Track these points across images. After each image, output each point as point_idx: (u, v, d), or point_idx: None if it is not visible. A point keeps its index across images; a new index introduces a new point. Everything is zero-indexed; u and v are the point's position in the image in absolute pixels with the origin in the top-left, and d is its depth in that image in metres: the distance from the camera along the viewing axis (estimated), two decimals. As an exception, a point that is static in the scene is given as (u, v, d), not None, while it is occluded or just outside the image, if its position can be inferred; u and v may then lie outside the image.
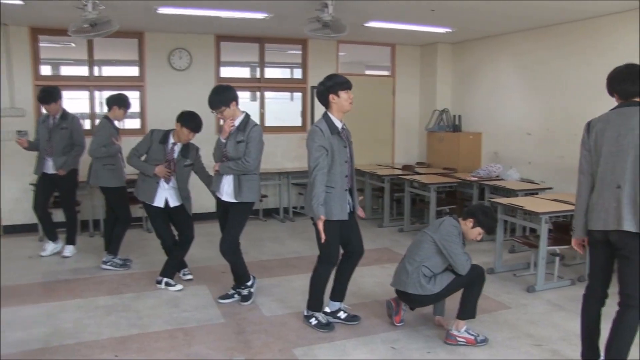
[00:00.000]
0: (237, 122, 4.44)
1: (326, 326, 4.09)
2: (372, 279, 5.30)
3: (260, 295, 4.82)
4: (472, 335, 3.86)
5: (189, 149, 4.91)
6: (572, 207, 4.82)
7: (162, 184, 4.87)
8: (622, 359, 3.02)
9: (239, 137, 4.38)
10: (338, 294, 4.27)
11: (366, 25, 6.72)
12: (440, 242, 3.84)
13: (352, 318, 4.24)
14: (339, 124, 3.93)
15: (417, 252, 3.91)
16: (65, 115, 5.83)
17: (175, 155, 4.86)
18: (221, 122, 4.64)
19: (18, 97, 6.91)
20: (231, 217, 4.51)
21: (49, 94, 5.70)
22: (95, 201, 7.04)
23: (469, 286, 3.87)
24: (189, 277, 5.22)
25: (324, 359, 3.63)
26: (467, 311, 3.85)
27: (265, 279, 5.26)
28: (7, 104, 6.87)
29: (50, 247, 6.04)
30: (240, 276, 4.66)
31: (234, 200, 4.46)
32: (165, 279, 4.98)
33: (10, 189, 6.98)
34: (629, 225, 2.92)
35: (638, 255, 2.95)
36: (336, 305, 4.26)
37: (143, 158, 4.91)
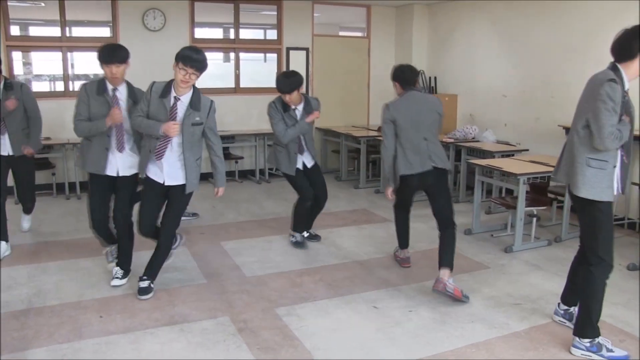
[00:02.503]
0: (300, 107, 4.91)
1: (300, 244, 5.13)
2: (350, 240, 5.40)
3: (241, 256, 4.88)
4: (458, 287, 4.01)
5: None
6: (549, 169, 5.02)
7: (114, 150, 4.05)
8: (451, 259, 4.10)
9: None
10: (308, 224, 5.33)
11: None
12: None
13: (314, 237, 5.34)
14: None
15: None
16: (10, 84, 4.88)
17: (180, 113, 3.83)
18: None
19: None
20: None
21: None
22: (69, 163, 6.94)
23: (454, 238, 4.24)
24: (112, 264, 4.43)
25: (305, 317, 3.71)
26: (451, 261, 4.08)
27: (245, 239, 5.32)
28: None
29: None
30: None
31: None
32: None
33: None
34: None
35: (445, 186, 4.33)
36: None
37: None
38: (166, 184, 3.90)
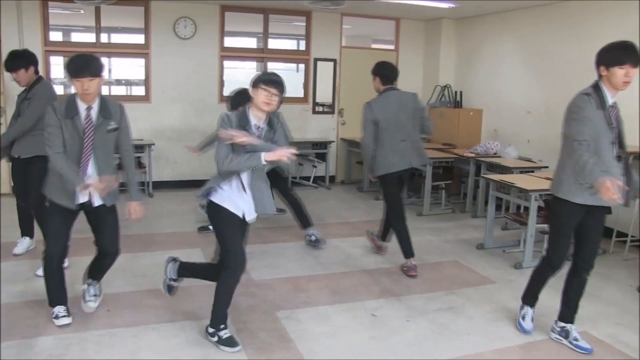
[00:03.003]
0: None
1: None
2: (361, 249, 5.45)
3: (253, 260, 4.97)
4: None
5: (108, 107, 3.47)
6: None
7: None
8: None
9: None
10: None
11: (368, -3, 6.75)
12: None
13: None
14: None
15: None
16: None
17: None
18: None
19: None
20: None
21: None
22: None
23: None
24: None
25: (304, 322, 3.78)
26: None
27: (260, 244, 5.42)
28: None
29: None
30: None
31: None
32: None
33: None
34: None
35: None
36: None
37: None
38: (95, 204, 3.50)
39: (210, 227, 5.32)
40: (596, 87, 3.24)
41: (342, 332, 3.66)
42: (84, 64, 3.29)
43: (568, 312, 3.57)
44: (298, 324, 3.74)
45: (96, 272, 3.83)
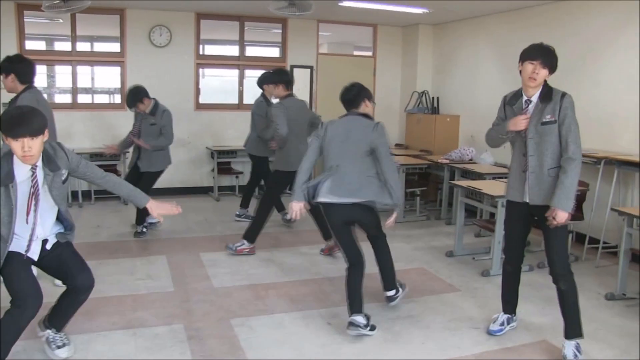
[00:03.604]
0: None
1: None
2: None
3: (215, 267, 4.98)
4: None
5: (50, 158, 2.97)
6: None
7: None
8: None
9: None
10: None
11: (341, 4, 6.75)
12: None
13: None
14: None
15: None
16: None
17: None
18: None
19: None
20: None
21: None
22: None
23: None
24: None
25: (257, 329, 3.75)
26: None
27: (224, 251, 5.39)
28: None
29: None
30: None
31: None
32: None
33: None
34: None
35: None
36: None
37: None
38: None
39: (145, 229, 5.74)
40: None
41: (293, 340, 3.63)
42: (22, 121, 2.72)
43: (564, 327, 3.47)
44: (250, 332, 3.72)
45: (62, 315, 3.34)
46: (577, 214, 5.52)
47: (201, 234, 6.00)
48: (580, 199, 5.46)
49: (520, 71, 3.32)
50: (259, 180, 6.76)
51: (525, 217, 3.53)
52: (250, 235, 5.34)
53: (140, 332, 3.65)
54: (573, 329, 3.41)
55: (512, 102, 3.48)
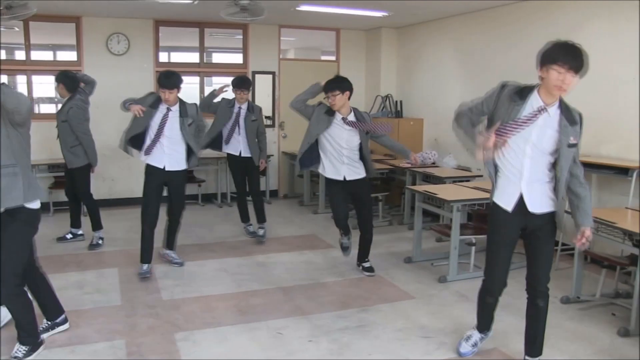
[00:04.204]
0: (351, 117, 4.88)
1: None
2: (284, 266, 5.34)
3: (167, 279, 4.88)
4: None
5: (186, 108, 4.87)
6: (487, 195, 4.92)
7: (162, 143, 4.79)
8: None
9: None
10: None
11: (298, 9, 6.69)
12: None
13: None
14: None
15: None
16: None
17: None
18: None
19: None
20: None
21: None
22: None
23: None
24: None
25: (201, 343, 3.66)
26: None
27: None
28: None
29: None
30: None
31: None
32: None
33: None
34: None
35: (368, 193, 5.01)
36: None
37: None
38: None
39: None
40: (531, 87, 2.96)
41: (237, 354, 3.54)
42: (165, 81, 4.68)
43: (526, 346, 3.34)
44: (194, 346, 3.63)
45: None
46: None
47: (157, 244, 5.90)
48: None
49: (541, 77, 2.84)
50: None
51: (517, 230, 3.15)
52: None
53: (79, 349, 3.55)
54: (541, 347, 3.30)
55: (515, 99, 2.92)
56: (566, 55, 2.74)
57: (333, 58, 8.84)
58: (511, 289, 4.49)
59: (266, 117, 8.48)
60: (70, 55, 7.46)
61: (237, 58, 8.35)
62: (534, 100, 2.89)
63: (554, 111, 2.89)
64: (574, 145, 2.90)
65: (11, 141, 2.99)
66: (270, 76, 8.37)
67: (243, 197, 6.26)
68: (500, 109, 2.97)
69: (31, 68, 7.21)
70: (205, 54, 8.13)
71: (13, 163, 3.03)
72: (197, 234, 6.42)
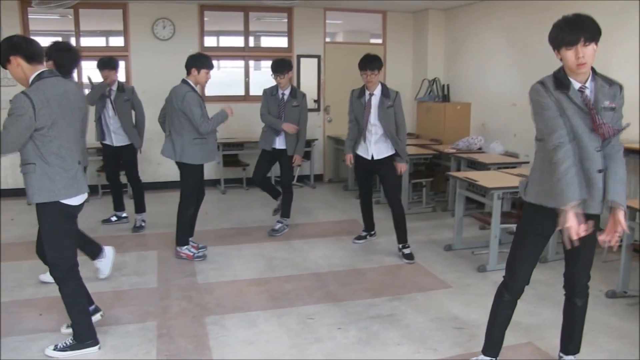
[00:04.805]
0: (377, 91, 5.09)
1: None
2: (320, 251, 5.30)
3: (203, 263, 4.93)
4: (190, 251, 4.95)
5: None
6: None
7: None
8: None
9: (387, 102, 5.07)
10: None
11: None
12: None
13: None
14: None
15: None
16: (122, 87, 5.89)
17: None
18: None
19: (10, 67, 7.18)
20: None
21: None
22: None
23: None
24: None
25: (230, 328, 3.68)
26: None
27: (216, 246, 5.35)
28: (3, 73, 7.17)
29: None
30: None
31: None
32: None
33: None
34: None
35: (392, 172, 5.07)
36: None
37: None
38: None
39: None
40: (559, 72, 2.70)
41: (263, 339, 3.53)
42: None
43: (562, 343, 3.15)
44: (222, 331, 3.65)
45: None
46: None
47: (197, 227, 5.97)
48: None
49: (561, 60, 2.64)
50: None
51: (551, 232, 2.89)
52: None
53: (113, 330, 3.62)
54: (578, 345, 3.11)
55: (562, 87, 2.62)
56: (571, 32, 2.54)
57: (378, 41, 8.67)
58: (549, 279, 4.35)
59: (314, 101, 8.45)
60: (118, 41, 7.61)
61: (282, 42, 8.31)
62: (574, 84, 2.62)
63: (591, 85, 2.64)
64: (611, 109, 2.60)
65: (34, 142, 3.04)
66: (316, 60, 8.29)
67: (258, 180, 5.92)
68: (557, 105, 2.61)
69: (82, 54, 7.39)
70: (250, 38, 8.13)
71: (30, 162, 3.06)
72: (237, 218, 6.46)
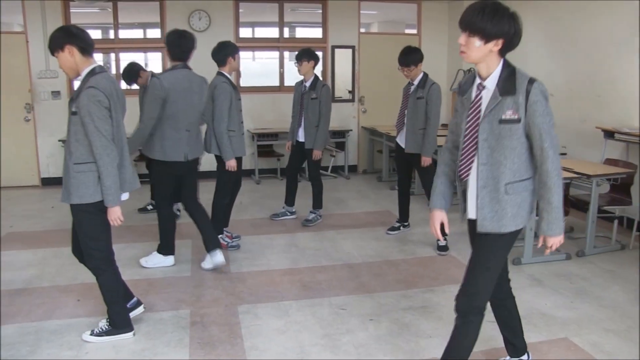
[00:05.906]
0: (416, 82, 5.11)
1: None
2: (354, 242, 5.29)
3: (237, 252, 4.97)
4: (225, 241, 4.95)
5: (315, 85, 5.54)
6: (574, 175, 4.70)
7: None
8: None
9: (418, 93, 5.05)
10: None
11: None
12: None
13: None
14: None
15: None
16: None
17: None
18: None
19: (52, 60, 7.35)
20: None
21: None
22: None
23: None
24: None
25: (262, 317, 3.71)
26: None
27: (250, 236, 5.40)
28: (42, 66, 7.36)
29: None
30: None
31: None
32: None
33: (46, 145, 7.51)
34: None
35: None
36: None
37: None
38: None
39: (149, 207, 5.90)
40: None
41: (295, 329, 3.54)
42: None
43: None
44: (254, 319, 3.67)
45: None
46: (625, 198, 5.10)
47: (232, 217, 6.01)
48: (628, 181, 5.04)
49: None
50: None
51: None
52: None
53: (146, 316, 3.68)
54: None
55: (463, 91, 2.56)
56: (461, 17, 2.42)
57: (413, 31, 8.56)
58: (586, 273, 4.23)
59: (349, 92, 8.42)
60: (155, 33, 7.71)
61: (316, 32, 8.28)
62: (475, 82, 2.50)
63: (491, 85, 2.42)
64: (514, 121, 2.36)
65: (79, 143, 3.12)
66: (350, 50, 8.24)
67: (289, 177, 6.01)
68: (459, 111, 2.64)
69: (119, 46, 7.54)
70: (285, 29, 8.13)
71: (89, 161, 3.14)
72: (271, 208, 6.48)
